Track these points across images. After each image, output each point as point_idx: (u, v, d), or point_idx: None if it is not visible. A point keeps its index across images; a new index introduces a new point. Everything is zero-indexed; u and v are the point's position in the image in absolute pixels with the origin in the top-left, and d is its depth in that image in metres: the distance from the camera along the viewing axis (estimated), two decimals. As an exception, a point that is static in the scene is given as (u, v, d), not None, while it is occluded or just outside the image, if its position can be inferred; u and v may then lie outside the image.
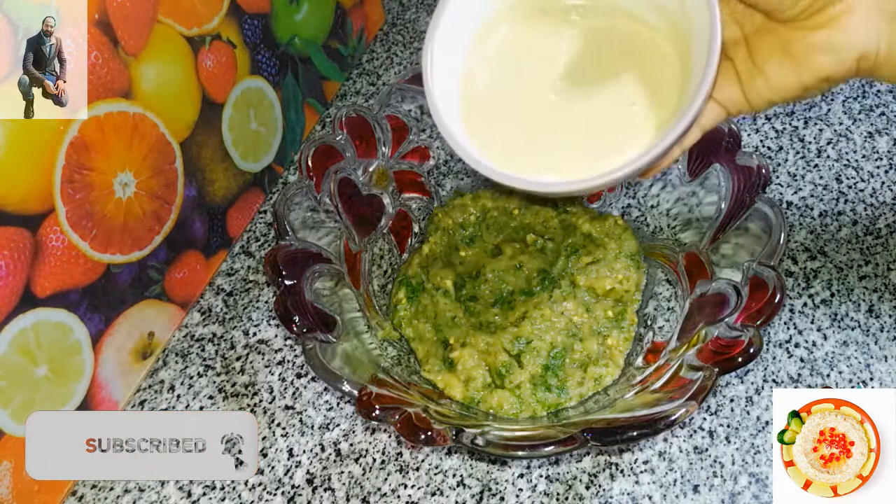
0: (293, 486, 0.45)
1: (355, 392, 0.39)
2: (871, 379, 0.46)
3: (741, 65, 0.35)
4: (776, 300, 0.38)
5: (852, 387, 0.46)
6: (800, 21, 0.32)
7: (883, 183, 0.55)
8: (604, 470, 0.44)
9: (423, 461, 0.45)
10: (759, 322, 0.38)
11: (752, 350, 0.37)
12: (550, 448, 0.37)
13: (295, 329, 0.41)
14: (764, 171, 0.44)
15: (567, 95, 0.38)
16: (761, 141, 0.59)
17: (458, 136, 0.37)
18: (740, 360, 0.37)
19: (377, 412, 0.38)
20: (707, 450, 0.44)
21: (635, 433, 0.36)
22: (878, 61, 0.32)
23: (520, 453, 0.38)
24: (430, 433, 0.37)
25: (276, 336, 0.52)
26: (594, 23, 0.39)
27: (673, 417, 0.36)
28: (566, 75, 0.39)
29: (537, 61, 0.39)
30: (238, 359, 0.51)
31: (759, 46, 0.34)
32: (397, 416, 0.38)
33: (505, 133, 0.38)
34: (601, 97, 0.38)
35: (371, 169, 0.51)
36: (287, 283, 0.42)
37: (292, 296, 0.42)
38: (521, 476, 0.44)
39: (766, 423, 0.44)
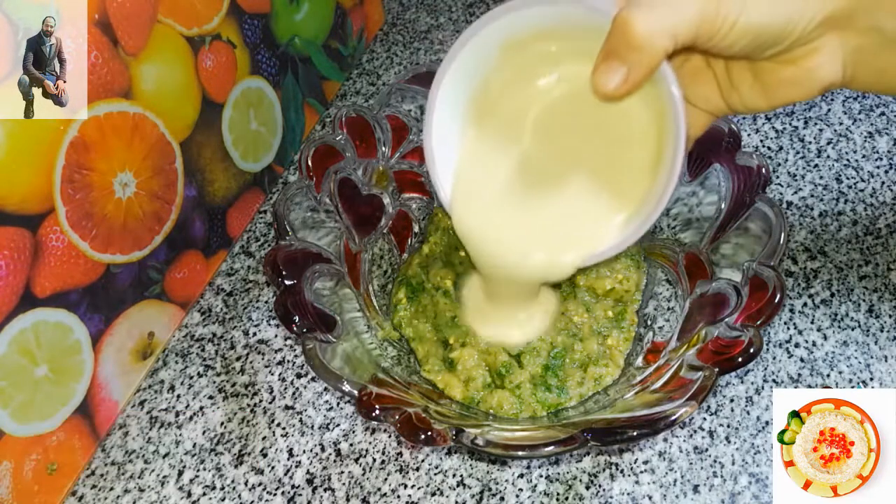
0: (293, 486, 0.45)
1: (355, 392, 0.39)
2: (871, 379, 0.46)
3: (720, 76, 0.36)
4: (776, 300, 0.38)
5: (852, 387, 0.46)
6: (771, 58, 0.34)
7: (883, 183, 0.55)
8: (604, 470, 0.44)
9: (423, 461, 0.45)
10: (759, 322, 0.38)
11: (752, 350, 0.37)
12: (550, 448, 0.37)
13: (295, 329, 0.40)
14: (764, 171, 0.44)
15: (538, 191, 0.41)
16: (761, 141, 0.59)
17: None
18: (740, 360, 0.37)
19: (377, 412, 0.38)
20: (707, 450, 0.44)
21: (635, 433, 0.36)
22: (843, 82, 0.34)
23: (520, 453, 0.38)
24: (430, 433, 0.37)
25: (276, 336, 0.52)
26: (572, 89, 0.39)
27: (673, 417, 0.36)
28: (538, 169, 0.41)
29: (510, 155, 0.41)
30: (238, 359, 0.51)
31: (736, 67, 0.35)
32: (397, 416, 0.38)
33: (491, 222, 0.41)
34: (571, 191, 0.40)
35: (371, 169, 0.51)
36: (287, 283, 0.42)
37: (292, 296, 0.42)
38: (521, 476, 0.44)
39: (766, 423, 0.44)
